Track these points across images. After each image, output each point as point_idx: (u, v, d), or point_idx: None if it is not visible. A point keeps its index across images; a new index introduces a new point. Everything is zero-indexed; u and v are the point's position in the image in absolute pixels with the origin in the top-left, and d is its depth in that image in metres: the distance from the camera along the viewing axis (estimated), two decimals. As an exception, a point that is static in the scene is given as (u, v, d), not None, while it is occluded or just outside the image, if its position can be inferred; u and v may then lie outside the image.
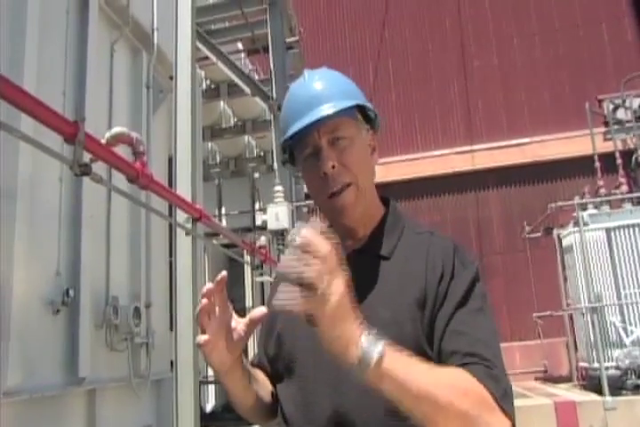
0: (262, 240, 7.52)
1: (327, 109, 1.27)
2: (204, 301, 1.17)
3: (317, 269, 0.93)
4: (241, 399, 1.33)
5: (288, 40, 8.42)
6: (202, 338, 1.20)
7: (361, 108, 1.36)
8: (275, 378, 1.38)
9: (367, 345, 0.96)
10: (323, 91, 1.32)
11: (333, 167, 1.28)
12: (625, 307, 8.97)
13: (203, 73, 8.48)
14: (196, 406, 3.70)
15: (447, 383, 1.02)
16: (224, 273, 1.20)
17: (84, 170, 2.68)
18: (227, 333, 1.22)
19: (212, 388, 8.63)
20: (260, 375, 1.39)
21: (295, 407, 1.27)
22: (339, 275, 0.97)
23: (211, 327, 1.20)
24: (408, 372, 0.99)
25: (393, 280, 1.25)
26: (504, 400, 1.06)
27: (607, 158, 11.70)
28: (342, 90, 1.34)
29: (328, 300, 0.94)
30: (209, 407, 8.50)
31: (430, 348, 1.18)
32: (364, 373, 0.97)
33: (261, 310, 1.24)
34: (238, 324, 1.24)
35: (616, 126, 12.67)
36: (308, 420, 1.24)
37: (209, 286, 1.18)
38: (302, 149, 1.33)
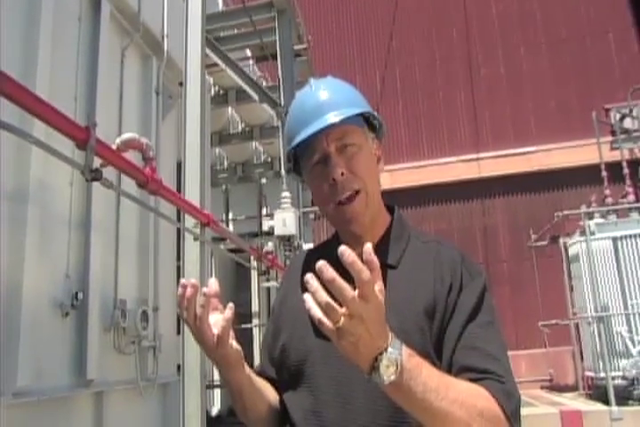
0: (269, 246, 7.56)
1: (335, 117, 1.27)
2: (190, 290, 1.19)
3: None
4: (244, 402, 1.35)
5: (296, 47, 8.48)
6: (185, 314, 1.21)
7: (366, 118, 1.37)
8: (280, 386, 1.39)
9: (387, 361, 0.96)
10: (329, 99, 1.32)
11: (342, 174, 1.28)
12: (632, 317, 8.93)
13: (211, 79, 8.54)
14: (203, 410, 3.72)
15: (464, 402, 1.04)
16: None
17: (95, 175, 2.72)
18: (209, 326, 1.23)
19: (217, 392, 8.63)
20: (263, 383, 1.40)
21: (304, 415, 1.28)
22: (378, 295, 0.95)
23: (190, 312, 1.20)
24: (425, 390, 0.99)
25: (400, 289, 1.26)
26: (514, 417, 1.11)
27: (614, 168, 11.70)
28: (348, 98, 1.35)
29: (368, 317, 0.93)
30: (215, 411, 8.51)
31: (437, 357, 1.20)
32: (382, 387, 0.98)
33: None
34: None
35: (623, 136, 12.67)
36: None
37: (206, 290, 1.20)
38: (309, 157, 1.33)
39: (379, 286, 0.93)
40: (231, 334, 1.25)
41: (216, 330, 1.22)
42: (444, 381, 1.04)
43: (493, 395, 1.10)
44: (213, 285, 1.25)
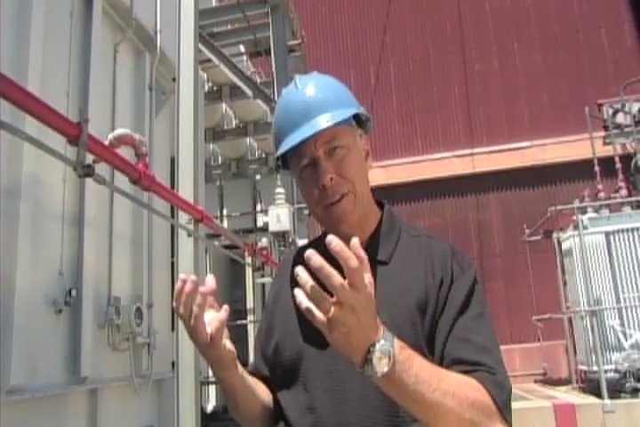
0: (263, 242, 7.56)
1: (325, 122, 1.24)
2: (189, 285, 1.16)
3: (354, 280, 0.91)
4: (237, 401, 1.35)
5: (290, 43, 8.45)
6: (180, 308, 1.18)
7: (354, 114, 1.34)
8: (273, 384, 1.39)
9: (379, 353, 0.96)
10: (317, 99, 1.28)
11: (332, 180, 1.27)
12: (624, 311, 8.99)
13: (205, 75, 8.50)
14: (197, 407, 3.72)
15: (456, 393, 1.05)
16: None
17: (87, 171, 2.71)
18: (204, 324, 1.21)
19: (212, 388, 8.64)
20: (256, 382, 1.39)
21: (299, 412, 1.29)
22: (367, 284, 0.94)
23: (187, 308, 1.17)
24: (417, 382, 1.00)
25: (392, 284, 1.27)
26: (505, 407, 1.12)
27: (606, 162, 11.74)
28: (337, 97, 1.31)
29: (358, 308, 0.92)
30: (210, 408, 8.51)
31: (430, 351, 1.21)
32: (375, 379, 0.98)
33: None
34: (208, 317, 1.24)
35: (615, 131, 12.70)
36: (313, 425, 1.26)
37: (203, 288, 1.18)
38: (298, 160, 1.31)
39: (368, 278, 0.93)
40: (225, 333, 1.24)
41: (210, 329, 1.21)
42: (435, 372, 1.05)
43: (484, 386, 1.11)
44: (210, 282, 1.24)
